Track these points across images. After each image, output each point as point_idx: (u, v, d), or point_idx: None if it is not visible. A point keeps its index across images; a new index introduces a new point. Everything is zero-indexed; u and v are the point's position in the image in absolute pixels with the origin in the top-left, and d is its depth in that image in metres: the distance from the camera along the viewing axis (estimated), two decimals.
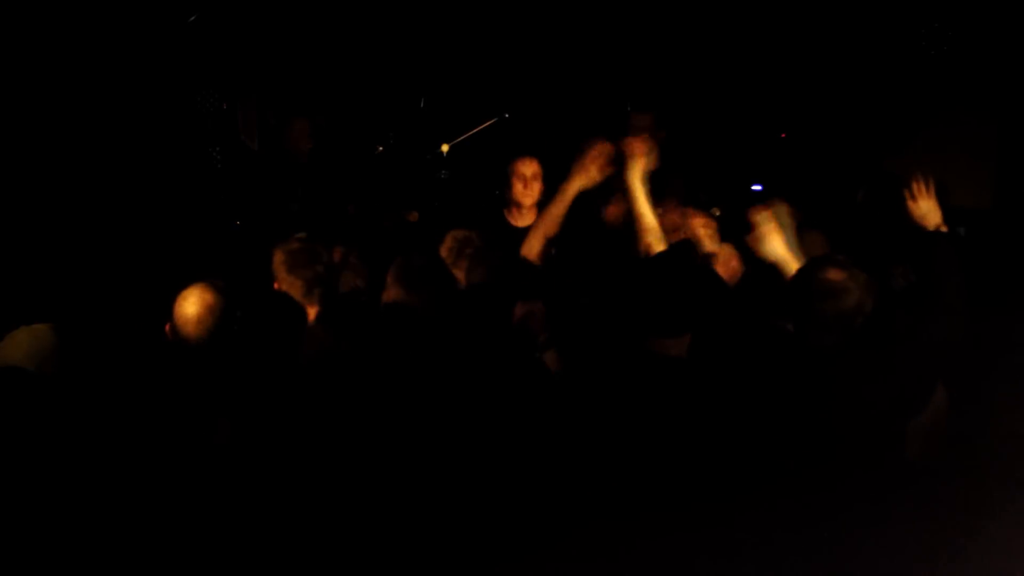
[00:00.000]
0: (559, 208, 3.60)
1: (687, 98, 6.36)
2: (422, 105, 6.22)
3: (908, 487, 2.49)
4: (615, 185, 3.81)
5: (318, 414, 2.53)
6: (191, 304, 2.86)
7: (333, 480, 2.38)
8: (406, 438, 2.46)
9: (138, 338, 3.25)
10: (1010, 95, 5.98)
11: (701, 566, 2.25)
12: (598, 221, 4.23)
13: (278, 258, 3.24)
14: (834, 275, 2.71)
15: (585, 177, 3.59)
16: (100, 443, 2.36)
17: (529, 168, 4.52)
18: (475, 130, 5.46)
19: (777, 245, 3.30)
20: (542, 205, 4.86)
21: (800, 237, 3.61)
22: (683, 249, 3.46)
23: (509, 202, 4.58)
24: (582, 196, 3.64)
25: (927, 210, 3.09)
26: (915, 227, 3.12)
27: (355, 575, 2.29)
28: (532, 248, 3.60)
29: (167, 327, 2.90)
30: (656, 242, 3.35)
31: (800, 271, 2.90)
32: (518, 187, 4.53)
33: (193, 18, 5.35)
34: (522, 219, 4.60)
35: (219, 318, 2.84)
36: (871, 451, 2.53)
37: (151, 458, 2.35)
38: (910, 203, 3.11)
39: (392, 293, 2.97)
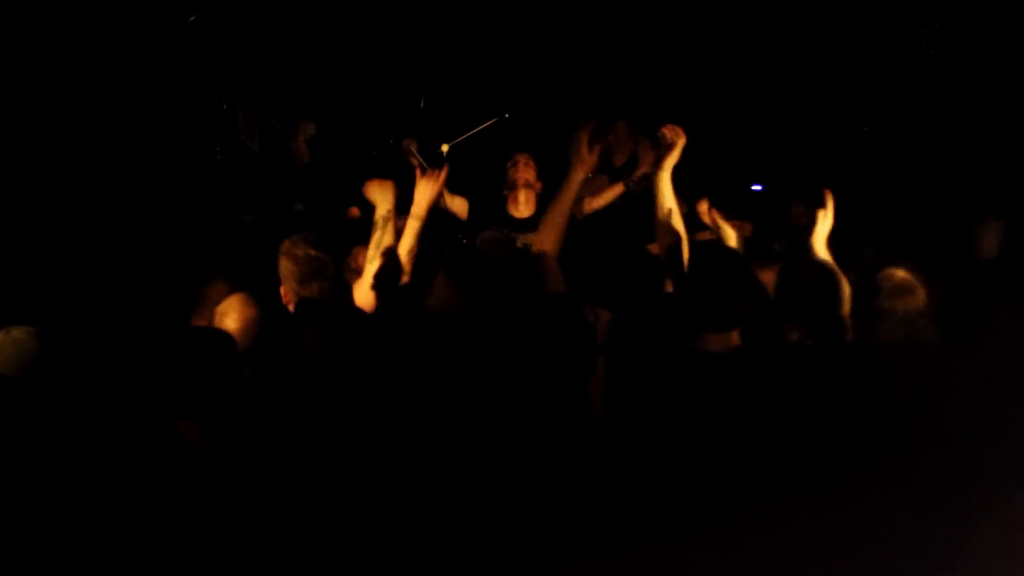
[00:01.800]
0: (566, 200, 3.52)
1: (687, 98, 6.36)
2: (422, 105, 6.22)
3: (907, 486, 2.48)
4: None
5: (355, 412, 2.53)
6: (232, 320, 2.85)
7: (356, 476, 2.39)
8: (426, 435, 2.47)
9: (130, 341, 3.24)
10: (1010, 95, 5.98)
11: (703, 564, 2.25)
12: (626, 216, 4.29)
13: (287, 267, 3.22)
14: (902, 273, 2.79)
15: (584, 165, 3.54)
16: (83, 451, 2.36)
17: (520, 156, 4.96)
18: (475, 130, 5.46)
19: (821, 242, 3.35)
20: (542, 199, 4.93)
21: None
22: (721, 246, 3.49)
23: (507, 190, 4.93)
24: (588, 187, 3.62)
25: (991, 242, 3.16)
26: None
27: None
28: (546, 245, 3.50)
29: None
30: (681, 235, 3.37)
31: (864, 269, 2.96)
32: (511, 172, 4.93)
33: (193, 18, 5.35)
34: (519, 210, 4.93)
35: (260, 331, 2.84)
36: (871, 451, 2.53)
37: (137, 466, 2.35)
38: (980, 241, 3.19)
39: (440, 285, 2.98)
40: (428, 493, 2.35)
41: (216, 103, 5.75)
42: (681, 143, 3.50)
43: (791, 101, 6.48)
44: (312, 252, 3.23)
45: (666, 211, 3.40)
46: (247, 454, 2.39)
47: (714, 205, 5.05)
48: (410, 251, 3.59)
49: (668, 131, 3.53)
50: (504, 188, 5.02)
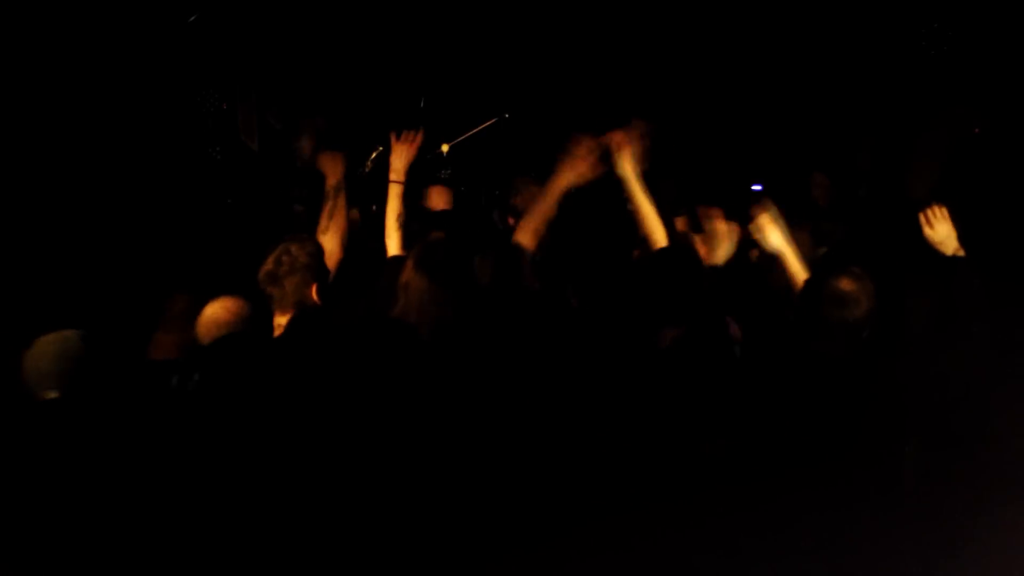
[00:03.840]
0: (547, 205, 3.43)
1: (687, 98, 6.37)
2: (422, 105, 6.22)
3: (907, 487, 2.49)
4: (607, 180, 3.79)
5: (326, 405, 2.53)
6: (214, 308, 2.89)
7: (341, 474, 2.39)
8: (412, 430, 2.46)
9: (131, 342, 3.25)
10: (1009, 95, 5.98)
11: (700, 563, 2.25)
12: (591, 215, 4.21)
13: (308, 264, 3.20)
14: (845, 284, 2.78)
15: (574, 174, 3.43)
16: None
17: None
18: (475, 130, 5.46)
19: (777, 237, 3.39)
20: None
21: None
22: (683, 245, 3.50)
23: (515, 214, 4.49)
24: (572, 193, 3.50)
25: (945, 236, 3.13)
26: (931, 251, 3.17)
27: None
28: (525, 244, 3.41)
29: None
30: (657, 230, 3.37)
31: (812, 278, 2.95)
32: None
33: (193, 18, 5.35)
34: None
35: (247, 327, 2.87)
36: (871, 451, 2.53)
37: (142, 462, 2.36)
38: (927, 230, 3.15)
39: (413, 280, 2.97)
40: (427, 496, 2.35)
41: (216, 103, 5.74)
42: (627, 145, 3.47)
43: (791, 101, 6.48)
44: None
45: (637, 210, 3.41)
46: (247, 456, 2.39)
47: (714, 205, 5.05)
48: (398, 216, 3.61)
49: (615, 135, 3.50)
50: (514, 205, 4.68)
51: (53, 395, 2.49)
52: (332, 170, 3.71)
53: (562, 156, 3.47)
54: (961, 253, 3.10)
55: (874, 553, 2.29)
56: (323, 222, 3.63)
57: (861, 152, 6.38)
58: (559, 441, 2.48)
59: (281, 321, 3.14)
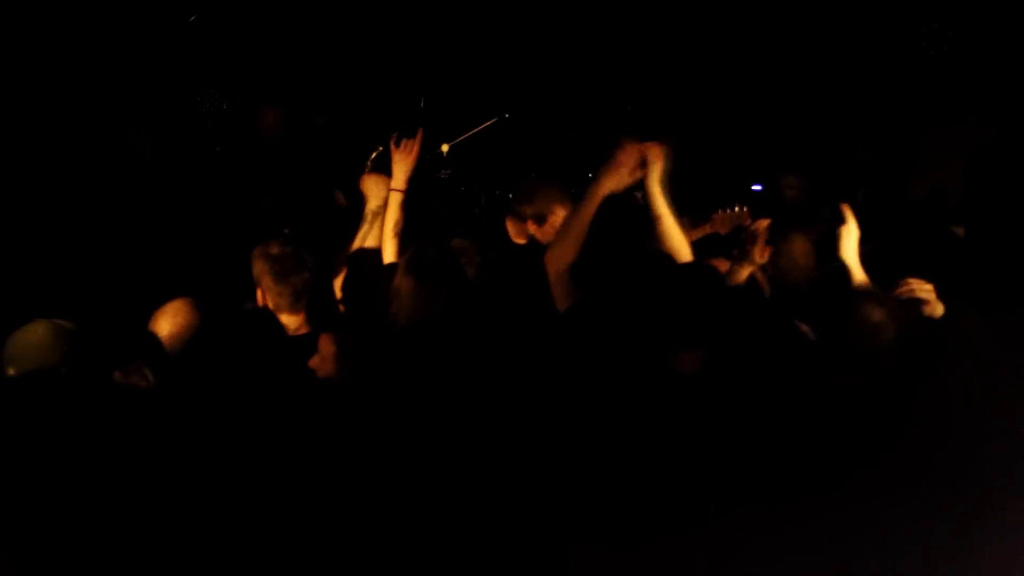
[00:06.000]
0: (588, 212, 3.16)
1: (687, 98, 6.37)
2: (422, 105, 6.22)
3: (907, 487, 2.49)
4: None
5: (323, 413, 2.53)
6: (166, 323, 2.87)
7: (337, 479, 2.39)
8: (410, 434, 2.47)
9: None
10: (1010, 95, 5.99)
11: (701, 565, 2.25)
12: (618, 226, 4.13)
13: (261, 265, 3.16)
14: (877, 314, 2.75)
15: (616, 180, 3.19)
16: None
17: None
18: (475, 130, 5.46)
19: (852, 248, 3.35)
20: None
21: (787, 240, 3.64)
22: (705, 266, 3.41)
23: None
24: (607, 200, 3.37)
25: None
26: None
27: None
28: (563, 258, 3.13)
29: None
30: (683, 248, 3.31)
31: (839, 304, 2.90)
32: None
33: (193, 18, 5.35)
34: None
35: (195, 337, 2.85)
36: (871, 452, 2.53)
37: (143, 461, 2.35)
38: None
39: (403, 283, 2.97)
40: (427, 495, 2.35)
41: (216, 103, 5.74)
42: (659, 160, 3.37)
43: (790, 101, 6.49)
44: (288, 248, 3.18)
45: (658, 226, 3.35)
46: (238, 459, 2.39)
47: (714, 204, 5.05)
48: (396, 224, 3.53)
49: (652, 147, 3.42)
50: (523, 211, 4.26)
51: (11, 372, 2.57)
52: (375, 193, 3.62)
53: (607, 161, 3.24)
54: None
55: (875, 554, 2.29)
56: (356, 243, 3.57)
57: (860, 152, 6.39)
58: (561, 443, 2.47)
59: (289, 323, 3.15)
